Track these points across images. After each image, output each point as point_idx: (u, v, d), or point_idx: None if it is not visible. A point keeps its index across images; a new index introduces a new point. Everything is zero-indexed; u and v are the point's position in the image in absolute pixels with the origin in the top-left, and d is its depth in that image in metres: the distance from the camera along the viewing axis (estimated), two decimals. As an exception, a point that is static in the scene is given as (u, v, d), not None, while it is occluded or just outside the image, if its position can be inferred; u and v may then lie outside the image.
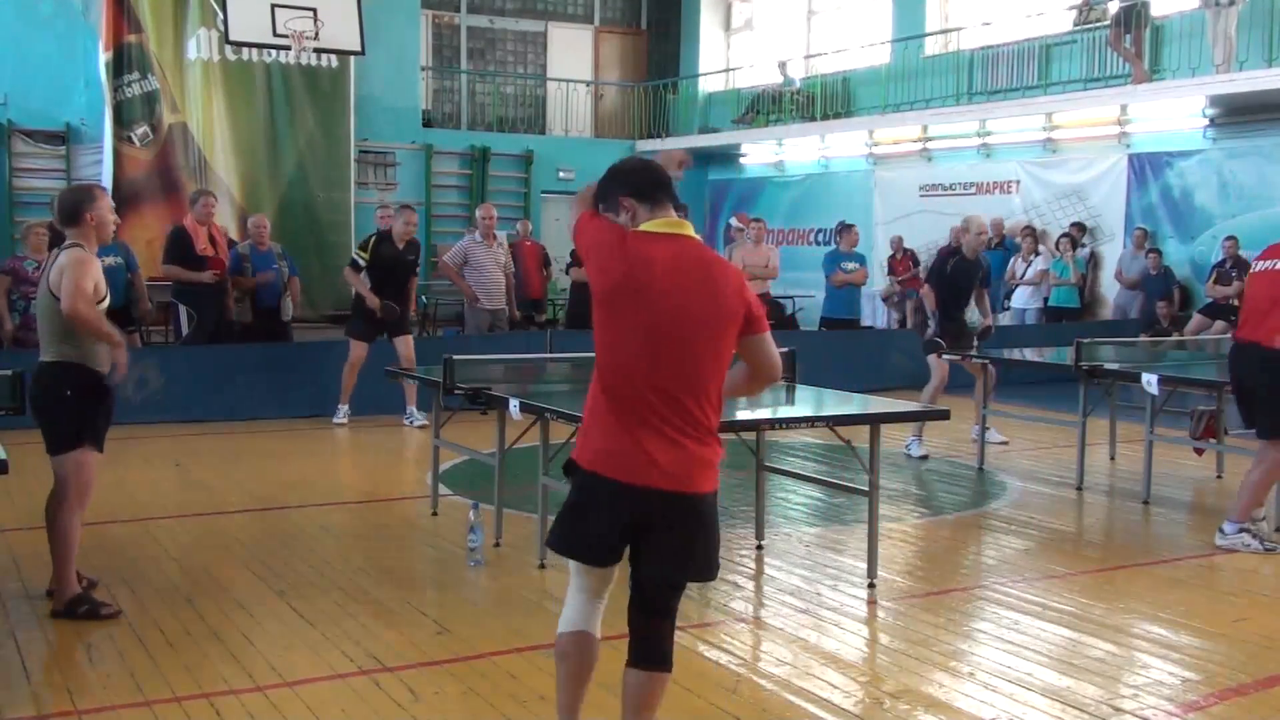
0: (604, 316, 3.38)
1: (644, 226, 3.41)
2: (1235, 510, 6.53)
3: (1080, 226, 15.74)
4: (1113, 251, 15.55)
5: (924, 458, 9.10)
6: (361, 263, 10.19)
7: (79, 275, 4.96)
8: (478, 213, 12.03)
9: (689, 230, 3.45)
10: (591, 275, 3.42)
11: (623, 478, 3.33)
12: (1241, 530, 6.43)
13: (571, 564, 3.56)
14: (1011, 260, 15.60)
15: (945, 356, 9.13)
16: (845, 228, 14.45)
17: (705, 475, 3.39)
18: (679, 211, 3.52)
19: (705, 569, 3.51)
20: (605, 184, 3.53)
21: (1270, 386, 6.23)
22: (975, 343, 9.38)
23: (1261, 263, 6.54)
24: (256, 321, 11.27)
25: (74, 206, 5.15)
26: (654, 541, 3.40)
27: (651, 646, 3.54)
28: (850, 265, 14.10)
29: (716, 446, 3.43)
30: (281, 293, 11.38)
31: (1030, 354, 10.91)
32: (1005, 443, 9.61)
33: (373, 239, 10.41)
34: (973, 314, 9.52)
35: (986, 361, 9.13)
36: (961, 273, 9.24)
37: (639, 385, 3.32)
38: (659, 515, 3.35)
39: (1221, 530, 6.51)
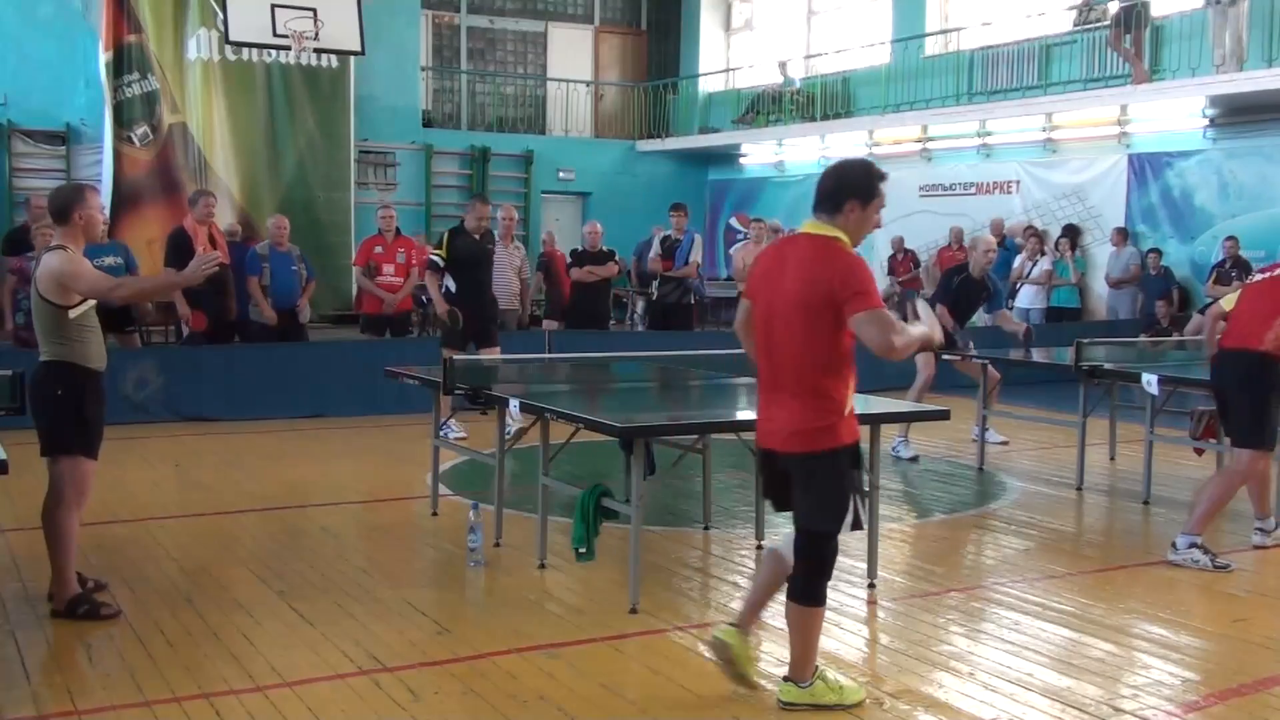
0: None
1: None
2: (1189, 523, 6.19)
3: (1073, 228, 15.75)
4: (1110, 252, 15.57)
5: (914, 459, 9.08)
6: (440, 262, 9.52)
7: (87, 273, 4.97)
8: (499, 214, 12.02)
9: (810, 228, 4.16)
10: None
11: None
12: (1192, 545, 6.11)
13: None
14: (1018, 260, 15.60)
15: (945, 356, 9.11)
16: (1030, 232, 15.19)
17: (802, 439, 4.11)
18: (816, 214, 4.17)
19: (811, 520, 4.14)
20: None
21: (1251, 391, 6.09)
22: (970, 343, 9.34)
23: (1261, 275, 6.40)
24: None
25: (63, 206, 5.15)
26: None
27: (790, 581, 4.20)
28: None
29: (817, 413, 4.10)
30: (299, 294, 11.32)
31: (1030, 354, 10.91)
32: (1005, 442, 9.61)
33: (446, 235, 9.74)
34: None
35: (986, 362, 9.12)
36: (966, 291, 9.23)
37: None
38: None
39: (1174, 544, 6.18)
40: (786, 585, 4.21)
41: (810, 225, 4.17)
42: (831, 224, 4.10)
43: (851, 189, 4.11)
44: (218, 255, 5.37)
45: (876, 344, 3.95)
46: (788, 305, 4.08)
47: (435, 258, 9.60)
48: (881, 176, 4.18)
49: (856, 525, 4.21)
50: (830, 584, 5.77)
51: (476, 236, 9.68)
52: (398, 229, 11.75)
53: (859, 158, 4.39)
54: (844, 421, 4.15)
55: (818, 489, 4.12)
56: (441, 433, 8.12)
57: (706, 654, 4.60)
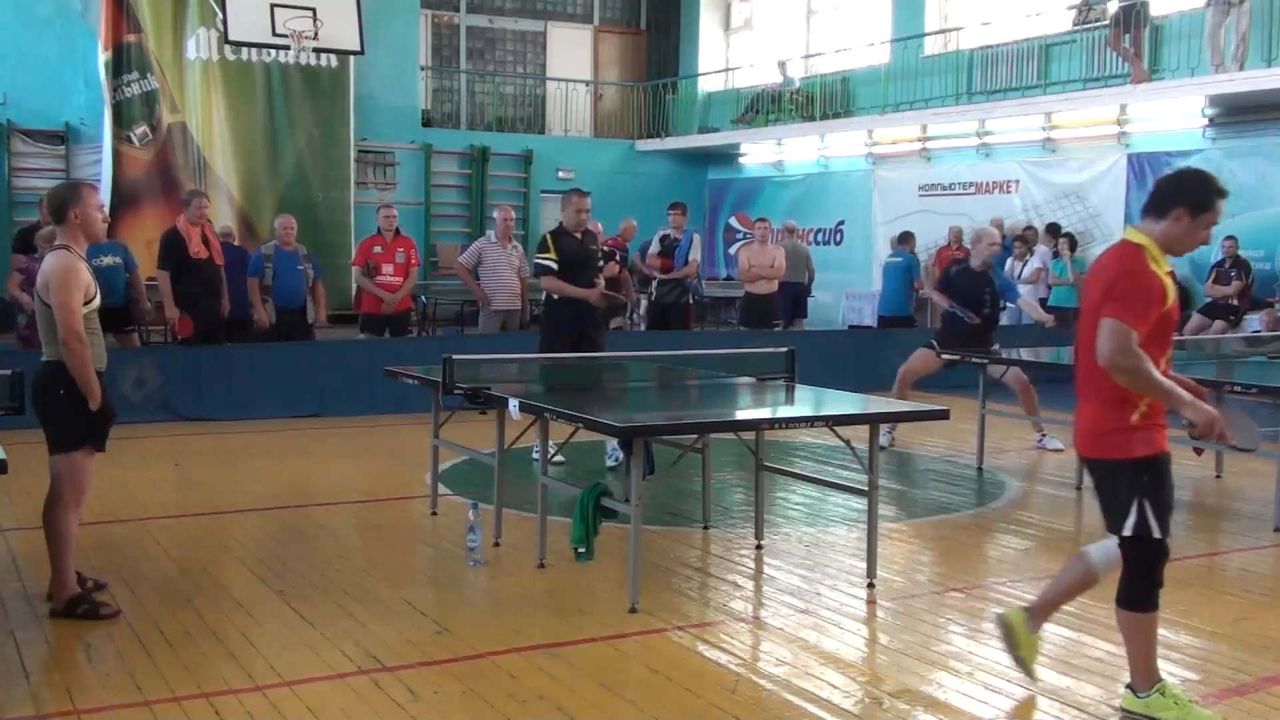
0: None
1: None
2: None
3: (1055, 226, 15.74)
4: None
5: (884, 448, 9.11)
6: (554, 265, 8.65)
7: (68, 294, 4.93)
8: (496, 214, 12.03)
9: (1126, 233, 4.15)
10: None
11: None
12: None
13: None
14: (1009, 262, 15.62)
15: (944, 355, 9.13)
16: (907, 235, 15.40)
17: (1090, 443, 4.13)
18: (1141, 218, 4.14)
19: (1110, 523, 4.12)
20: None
21: None
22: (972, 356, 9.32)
23: None
24: (278, 324, 11.18)
25: (59, 204, 5.15)
26: None
27: (1118, 585, 4.15)
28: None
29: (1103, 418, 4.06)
30: (305, 294, 11.30)
31: (1029, 354, 10.90)
32: (1059, 450, 9.37)
33: (550, 238, 8.82)
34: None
35: (1018, 367, 9.15)
36: (964, 283, 9.23)
37: None
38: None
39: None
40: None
41: (1128, 230, 4.14)
42: (1147, 230, 4.02)
43: (1183, 196, 4.00)
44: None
45: (1103, 353, 3.89)
46: (1086, 306, 4.10)
47: (547, 262, 8.67)
48: (1221, 193, 4.04)
49: (1141, 532, 4.04)
50: (830, 584, 5.81)
51: (578, 236, 8.87)
52: (397, 229, 11.75)
53: (1200, 168, 4.28)
54: (1134, 430, 4.04)
55: (1103, 493, 4.14)
56: (535, 456, 7.29)
57: (992, 626, 4.75)
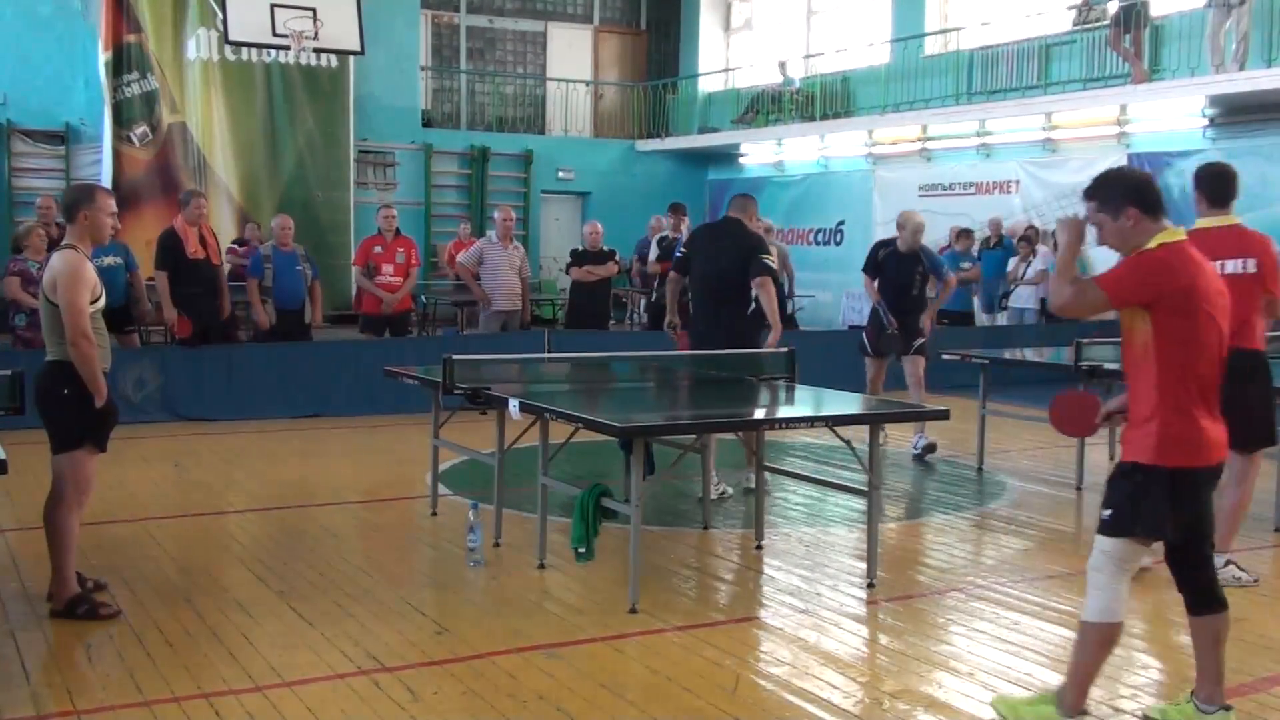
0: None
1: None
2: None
3: (1034, 229, 15.73)
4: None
5: (931, 448, 9.12)
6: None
7: (75, 293, 4.94)
8: (496, 214, 12.03)
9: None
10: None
11: None
12: (1228, 563, 5.86)
13: None
14: (1012, 262, 15.61)
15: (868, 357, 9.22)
16: (965, 232, 15.32)
17: (1127, 448, 4.01)
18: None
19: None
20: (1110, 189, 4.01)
21: (1258, 392, 5.83)
22: (901, 347, 9.20)
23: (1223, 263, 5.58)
24: (277, 324, 11.17)
25: (71, 204, 5.18)
26: None
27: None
28: (965, 265, 14.45)
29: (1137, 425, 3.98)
30: (304, 294, 11.28)
31: (1030, 354, 10.91)
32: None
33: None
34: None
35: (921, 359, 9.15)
36: (895, 264, 9.15)
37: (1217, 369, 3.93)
38: None
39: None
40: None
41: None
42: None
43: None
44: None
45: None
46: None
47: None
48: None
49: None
50: (830, 584, 5.81)
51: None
52: (397, 229, 11.75)
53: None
54: (1156, 438, 3.89)
55: (1112, 490, 4.00)
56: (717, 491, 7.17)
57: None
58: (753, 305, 7.44)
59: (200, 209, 10.53)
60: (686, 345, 7.81)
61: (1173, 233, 3.94)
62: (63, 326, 5.01)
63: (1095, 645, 3.91)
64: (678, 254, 8.21)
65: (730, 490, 7.62)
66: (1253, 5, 13.34)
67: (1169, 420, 3.85)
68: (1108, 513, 3.93)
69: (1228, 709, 4.04)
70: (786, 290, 15.63)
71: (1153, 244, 3.91)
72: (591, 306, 12.77)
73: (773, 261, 7.57)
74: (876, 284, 9.27)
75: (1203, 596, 4.06)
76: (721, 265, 7.46)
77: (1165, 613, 5.37)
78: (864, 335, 9.49)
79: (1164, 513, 3.84)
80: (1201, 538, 4.04)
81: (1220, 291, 3.94)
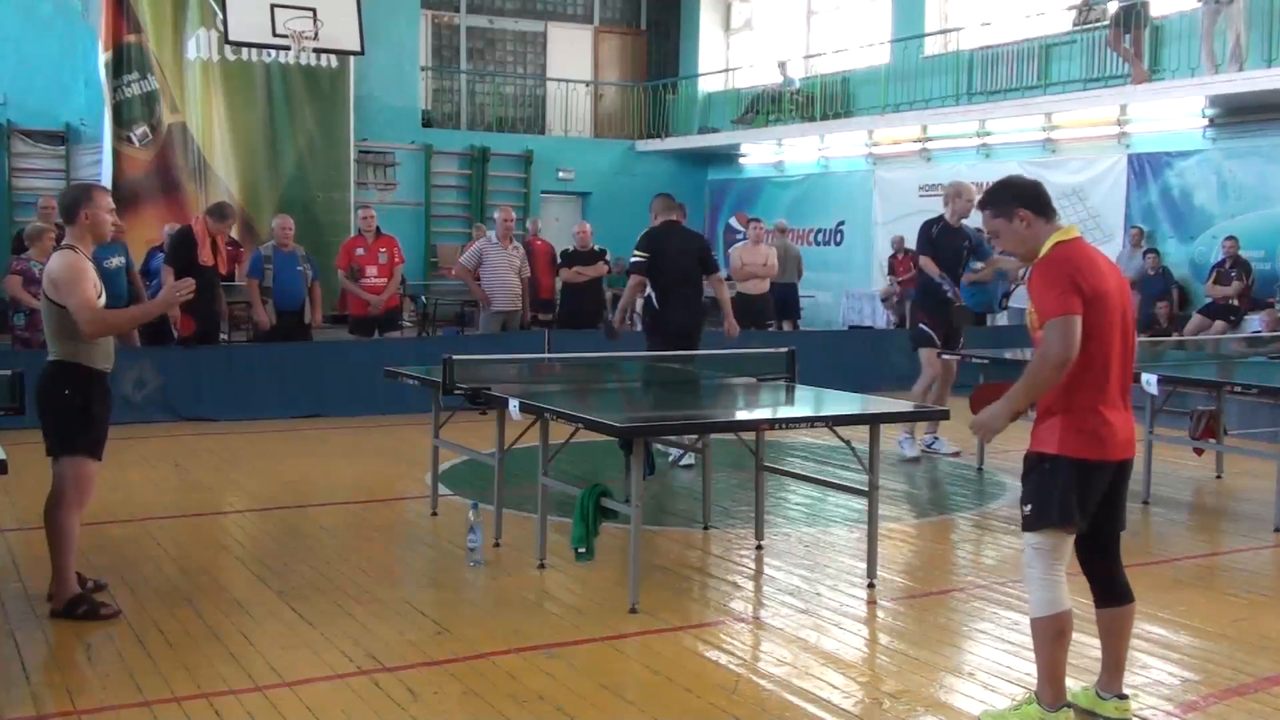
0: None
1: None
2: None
3: None
4: (1111, 251, 15.53)
5: (915, 460, 9.05)
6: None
7: (81, 290, 4.94)
8: (496, 214, 12.03)
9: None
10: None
11: None
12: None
13: None
14: (1012, 262, 15.59)
15: (944, 356, 9.03)
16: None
17: (1033, 439, 4.00)
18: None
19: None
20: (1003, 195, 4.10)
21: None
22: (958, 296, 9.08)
23: None
24: (277, 325, 11.17)
25: (71, 205, 5.17)
26: None
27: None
28: (977, 265, 14.40)
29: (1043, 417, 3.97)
30: (304, 295, 11.27)
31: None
32: (956, 453, 9.33)
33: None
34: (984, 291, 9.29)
35: (957, 358, 9.04)
36: (946, 240, 8.99)
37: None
38: None
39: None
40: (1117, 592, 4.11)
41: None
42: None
43: None
44: (191, 284, 5.43)
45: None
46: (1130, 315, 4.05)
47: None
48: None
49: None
50: (830, 584, 5.81)
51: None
52: (378, 229, 11.70)
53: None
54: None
55: (1027, 483, 4.04)
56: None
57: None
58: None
59: (230, 227, 10.67)
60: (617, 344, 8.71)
61: (1066, 231, 4.00)
62: (62, 327, 5.01)
63: (1051, 638, 3.93)
64: (634, 259, 8.53)
65: (693, 462, 7.61)
66: (1244, 6, 13.33)
67: (1072, 412, 3.89)
68: (1028, 508, 3.97)
69: (1123, 698, 4.10)
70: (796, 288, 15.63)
71: (1047, 247, 3.96)
72: (581, 306, 12.76)
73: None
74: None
75: (1110, 589, 4.10)
76: (689, 262, 8.52)
77: (1165, 612, 5.37)
78: (920, 326, 9.03)
79: (1072, 502, 3.88)
80: (1110, 532, 4.08)
81: (1121, 289, 3.99)
